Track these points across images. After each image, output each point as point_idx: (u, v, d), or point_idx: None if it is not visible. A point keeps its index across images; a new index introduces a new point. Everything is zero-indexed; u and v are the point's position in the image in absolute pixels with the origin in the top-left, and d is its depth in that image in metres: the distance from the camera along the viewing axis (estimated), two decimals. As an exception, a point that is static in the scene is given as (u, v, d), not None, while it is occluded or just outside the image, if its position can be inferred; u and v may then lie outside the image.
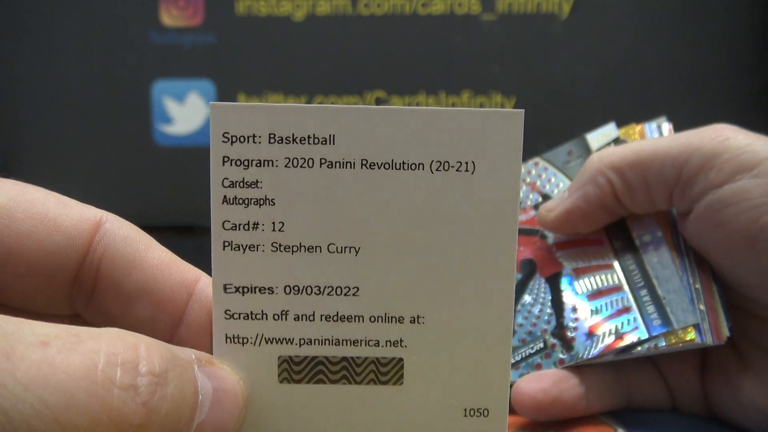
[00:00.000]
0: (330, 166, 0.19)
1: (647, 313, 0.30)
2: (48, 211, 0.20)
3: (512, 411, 0.30)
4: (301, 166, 0.19)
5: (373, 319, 0.20)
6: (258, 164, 0.19)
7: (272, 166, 0.19)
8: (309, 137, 0.19)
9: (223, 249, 0.19)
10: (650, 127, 0.34)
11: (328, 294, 0.20)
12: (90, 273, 0.20)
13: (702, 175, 0.29)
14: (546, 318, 0.32)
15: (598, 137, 0.35)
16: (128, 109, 0.52)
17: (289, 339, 0.20)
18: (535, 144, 0.37)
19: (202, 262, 0.21)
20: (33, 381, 0.14)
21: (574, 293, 0.32)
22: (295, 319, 0.20)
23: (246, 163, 0.19)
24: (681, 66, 0.51)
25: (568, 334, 0.31)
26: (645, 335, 0.29)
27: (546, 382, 0.30)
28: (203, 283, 0.21)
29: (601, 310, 0.31)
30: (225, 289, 0.19)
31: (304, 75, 0.52)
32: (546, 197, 0.35)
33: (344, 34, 0.51)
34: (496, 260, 0.19)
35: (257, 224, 0.19)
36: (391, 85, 0.52)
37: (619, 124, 0.35)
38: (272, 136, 0.19)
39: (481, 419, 0.20)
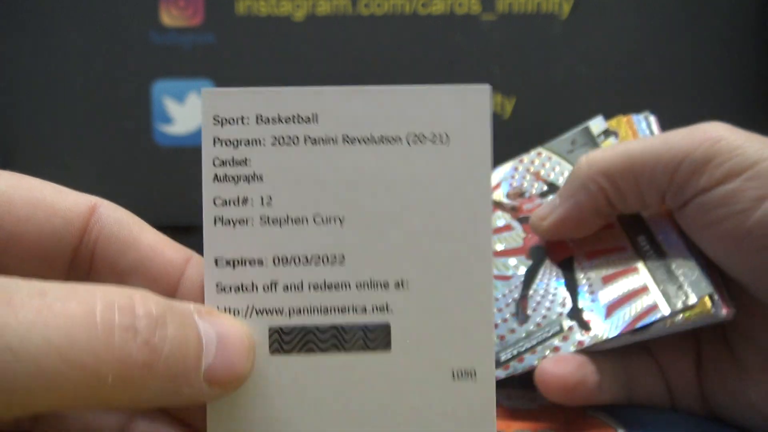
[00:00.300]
0: (314, 142, 0.20)
1: (664, 290, 0.30)
2: (45, 196, 0.20)
3: (508, 416, 0.31)
4: (286, 144, 0.20)
5: (359, 285, 0.20)
6: (246, 143, 0.20)
7: (260, 144, 0.20)
8: (293, 117, 0.20)
9: (214, 224, 0.20)
10: (638, 118, 0.35)
11: (315, 263, 0.20)
12: (86, 254, 0.21)
13: (693, 180, 0.29)
14: (560, 301, 0.32)
15: (595, 124, 0.36)
16: (128, 109, 0.52)
17: (279, 309, 0.20)
18: (535, 144, 0.37)
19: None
20: (35, 323, 0.15)
21: (588, 276, 0.32)
22: (284, 289, 0.20)
23: (235, 142, 0.20)
24: (681, 66, 0.51)
25: (585, 316, 0.31)
26: (664, 312, 0.30)
27: (571, 365, 0.30)
28: (195, 260, 0.21)
29: (618, 291, 0.31)
30: (216, 262, 0.20)
31: (304, 75, 0.52)
32: (552, 185, 0.35)
33: (344, 34, 0.52)
34: (472, 224, 0.20)
35: (246, 199, 0.20)
36: (391, 85, 0.52)
37: (619, 124, 0.36)
38: (259, 117, 0.20)
39: (469, 382, 0.21)
